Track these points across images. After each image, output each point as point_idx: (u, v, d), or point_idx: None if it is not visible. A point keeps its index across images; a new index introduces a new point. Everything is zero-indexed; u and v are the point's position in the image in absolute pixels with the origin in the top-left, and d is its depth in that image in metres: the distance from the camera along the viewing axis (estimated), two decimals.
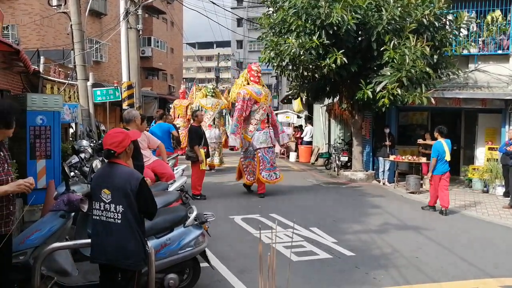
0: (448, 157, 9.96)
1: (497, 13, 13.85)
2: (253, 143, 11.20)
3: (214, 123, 15.45)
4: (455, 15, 13.35)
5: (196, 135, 10.63)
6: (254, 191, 11.66)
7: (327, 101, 18.13)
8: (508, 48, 13.81)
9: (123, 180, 3.53)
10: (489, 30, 13.91)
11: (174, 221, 4.87)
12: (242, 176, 11.67)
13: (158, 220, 4.66)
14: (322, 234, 7.81)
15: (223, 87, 17.22)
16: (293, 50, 12.02)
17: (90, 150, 7.87)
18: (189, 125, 11.34)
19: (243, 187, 12.12)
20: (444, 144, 9.99)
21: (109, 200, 3.52)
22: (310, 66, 13.04)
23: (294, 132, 23.01)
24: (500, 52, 13.87)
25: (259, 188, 11.40)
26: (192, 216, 4.97)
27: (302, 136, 21.60)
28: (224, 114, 16.72)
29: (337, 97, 15.97)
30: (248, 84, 11.45)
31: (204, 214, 5.16)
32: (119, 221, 3.51)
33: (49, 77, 11.94)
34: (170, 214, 4.94)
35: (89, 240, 3.86)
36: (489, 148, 13.45)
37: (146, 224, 3.96)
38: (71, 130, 12.03)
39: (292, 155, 21.37)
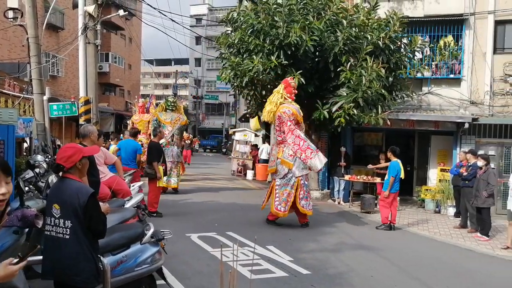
0: (403, 176, 10.55)
1: (449, 38, 14.51)
2: (294, 170, 10.02)
3: (172, 140, 14.60)
4: (409, 39, 13.86)
5: (157, 152, 10.49)
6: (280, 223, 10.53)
7: None
8: (459, 73, 14.46)
9: (72, 195, 3.49)
10: (441, 54, 14.53)
11: (131, 238, 4.81)
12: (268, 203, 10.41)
13: (115, 236, 4.61)
14: (278, 252, 7.87)
15: (185, 104, 16.76)
16: (256, 69, 12.12)
17: (45, 165, 7.66)
18: (149, 141, 11.11)
19: (199, 205, 12.00)
20: (400, 164, 10.47)
21: (58, 215, 3.48)
22: (269, 86, 13.21)
23: (251, 151, 23.14)
24: (452, 76, 14.54)
25: (302, 219, 10.41)
26: (149, 233, 4.93)
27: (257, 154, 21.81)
28: (185, 129, 15.97)
29: None
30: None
31: (161, 232, 5.14)
32: (67, 237, 3.46)
33: (3, 90, 11.66)
34: (126, 230, 4.89)
35: (41, 257, 3.79)
36: (441, 170, 13.95)
37: (102, 241, 3.92)
38: (25, 145, 11.72)
39: (249, 173, 21.45)
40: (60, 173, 3.69)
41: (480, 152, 12.29)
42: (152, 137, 11.16)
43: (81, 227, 3.47)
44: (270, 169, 10.55)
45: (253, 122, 24.66)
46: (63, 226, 3.46)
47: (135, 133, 12.07)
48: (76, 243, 3.46)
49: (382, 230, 10.54)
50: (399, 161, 10.58)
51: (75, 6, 13.37)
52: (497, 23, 14.26)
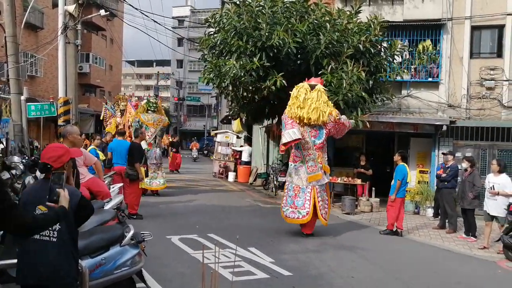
0: (410, 180, 10.54)
1: (428, 42, 14.73)
2: (328, 174, 10.22)
3: (155, 142, 14.32)
4: (389, 42, 14.02)
5: (138, 153, 10.43)
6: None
7: (266, 122, 18.39)
8: (437, 76, 14.67)
9: None
10: (420, 58, 14.74)
11: (110, 240, 4.74)
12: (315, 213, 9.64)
13: (94, 239, 4.54)
14: (260, 254, 7.87)
15: (167, 106, 16.54)
16: (234, 72, 12.12)
17: (21, 167, 7.54)
18: (131, 142, 10.96)
19: (180, 207, 11.88)
20: (407, 168, 10.42)
21: None
22: (250, 88, 13.20)
23: (233, 153, 23.12)
24: (430, 79, 14.74)
25: (309, 229, 9.89)
26: (129, 235, 4.85)
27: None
28: (166, 131, 15.68)
29: (276, 119, 16.23)
30: None
31: (141, 234, 5.07)
32: (54, 240, 3.35)
33: None
34: (106, 233, 4.81)
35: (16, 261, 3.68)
36: (420, 171, 14.10)
37: (81, 243, 3.85)
38: (1, 146, 11.54)
39: (231, 175, 21.41)
40: (42, 174, 3.55)
41: (458, 154, 12.46)
42: (133, 138, 11.05)
43: (69, 230, 3.39)
44: (315, 176, 9.59)
45: (235, 124, 24.67)
46: (51, 228, 3.33)
47: (123, 133, 11.99)
48: (62, 246, 3.37)
49: (386, 235, 10.34)
50: (406, 165, 10.46)
51: (55, 5, 13.25)
52: (474, 28, 14.50)
